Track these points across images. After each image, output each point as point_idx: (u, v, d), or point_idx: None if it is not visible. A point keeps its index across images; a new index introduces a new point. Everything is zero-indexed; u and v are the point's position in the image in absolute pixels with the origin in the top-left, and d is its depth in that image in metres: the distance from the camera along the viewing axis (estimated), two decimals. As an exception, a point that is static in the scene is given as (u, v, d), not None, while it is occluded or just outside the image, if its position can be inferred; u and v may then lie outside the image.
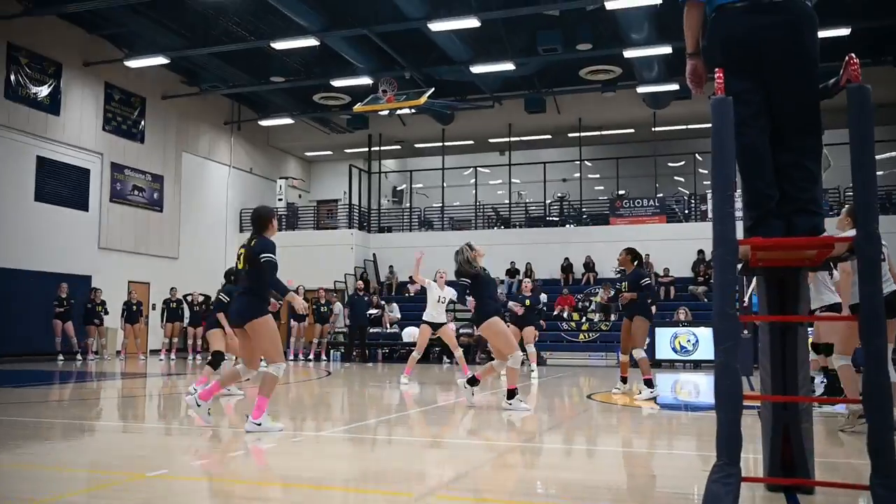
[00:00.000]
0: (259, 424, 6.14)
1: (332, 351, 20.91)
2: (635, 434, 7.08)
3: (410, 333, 20.86)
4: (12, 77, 18.52)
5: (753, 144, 3.68)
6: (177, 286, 20.52)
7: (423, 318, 11.84)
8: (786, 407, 3.80)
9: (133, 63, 20.15)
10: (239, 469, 5.02)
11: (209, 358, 9.20)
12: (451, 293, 11.50)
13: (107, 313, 19.11)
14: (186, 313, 20.19)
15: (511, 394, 8.04)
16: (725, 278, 3.29)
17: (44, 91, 19.37)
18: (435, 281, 11.84)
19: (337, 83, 21.96)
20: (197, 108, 24.59)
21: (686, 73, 3.97)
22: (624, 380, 9.99)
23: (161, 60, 20.15)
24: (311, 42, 18.69)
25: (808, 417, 3.85)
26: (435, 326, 11.75)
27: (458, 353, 12.05)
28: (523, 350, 11.91)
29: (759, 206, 3.68)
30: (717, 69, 3.57)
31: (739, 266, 3.73)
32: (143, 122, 22.60)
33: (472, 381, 8.59)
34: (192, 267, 23.45)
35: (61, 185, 19.85)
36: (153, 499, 3.95)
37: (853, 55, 3.38)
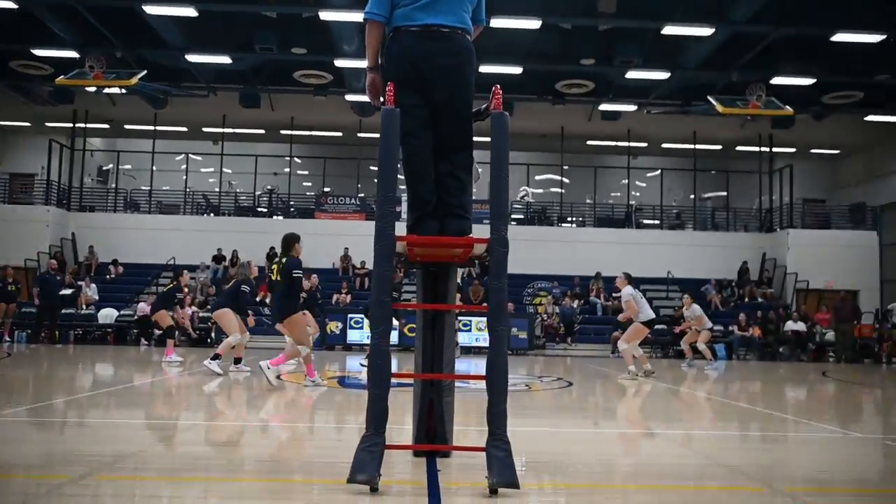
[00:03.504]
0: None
1: (16, 332, 18.46)
2: (310, 411, 7.15)
3: (107, 315, 19.19)
4: None
5: (418, 153, 3.86)
6: None
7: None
8: (432, 383, 4.07)
9: None
10: None
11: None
12: None
13: None
14: None
15: (215, 357, 9.79)
16: (382, 270, 3.43)
17: None
18: None
19: (39, 52, 19.44)
20: None
21: (365, 84, 4.08)
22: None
23: None
24: (8, 3, 16.34)
25: (450, 392, 4.14)
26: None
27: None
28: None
29: (419, 208, 3.87)
30: (389, 83, 3.72)
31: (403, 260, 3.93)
32: None
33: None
34: None
35: None
36: None
37: (498, 86, 3.71)
